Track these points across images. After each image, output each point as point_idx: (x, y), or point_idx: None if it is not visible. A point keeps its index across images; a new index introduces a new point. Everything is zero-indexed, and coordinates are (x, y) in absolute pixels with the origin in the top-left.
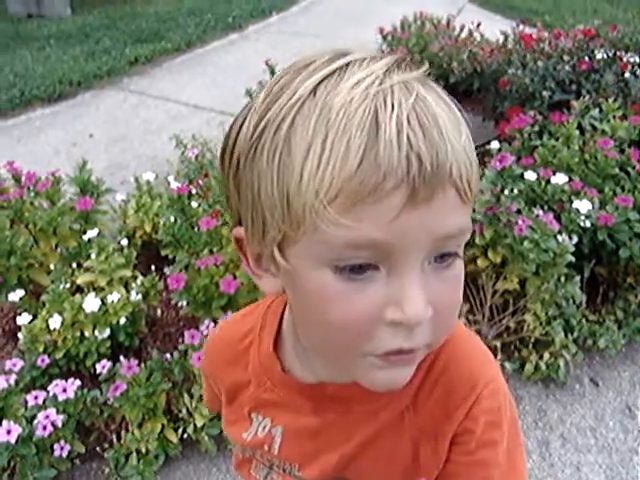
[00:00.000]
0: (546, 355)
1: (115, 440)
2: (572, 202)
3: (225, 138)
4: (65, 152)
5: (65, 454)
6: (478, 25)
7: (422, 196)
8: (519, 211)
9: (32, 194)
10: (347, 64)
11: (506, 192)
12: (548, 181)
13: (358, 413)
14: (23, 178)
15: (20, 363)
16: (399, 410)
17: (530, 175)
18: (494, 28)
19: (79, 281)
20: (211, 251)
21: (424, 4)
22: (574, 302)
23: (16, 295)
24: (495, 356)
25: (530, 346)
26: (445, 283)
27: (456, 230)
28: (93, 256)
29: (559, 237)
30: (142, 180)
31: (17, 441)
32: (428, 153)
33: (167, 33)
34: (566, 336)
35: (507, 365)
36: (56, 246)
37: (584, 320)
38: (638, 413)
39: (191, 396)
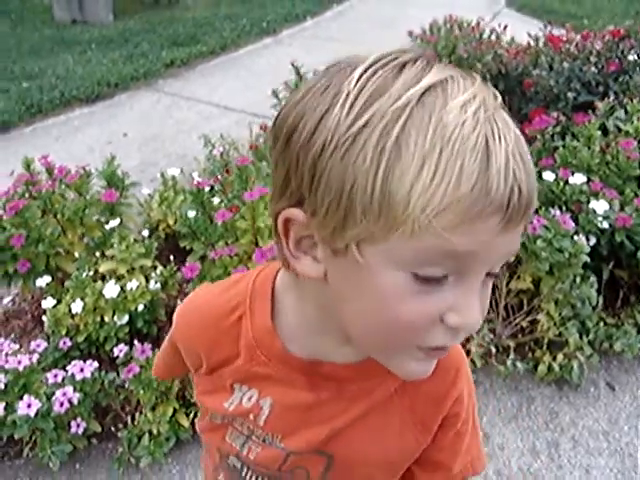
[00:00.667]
0: (560, 356)
1: (129, 421)
2: (590, 203)
3: (294, 117)
4: (99, 150)
5: (81, 431)
6: (505, 27)
7: (513, 223)
8: (536, 211)
9: (63, 186)
10: (446, 78)
11: None
12: (567, 182)
13: (351, 392)
14: (55, 172)
15: (44, 344)
16: (390, 391)
17: (548, 175)
18: (530, 32)
19: (101, 269)
20: (226, 243)
21: (459, 9)
22: (590, 304)
23: (43, 281)
24: (507, 356)
25: (544, 347)
26: (484, 294)
27: (515, 251)
28: (115, 245)
29: (575, 237)
30: (168, 175)
31: (37, 415)
32: (527, 187)
33: (203, 37)
34: (581, 338)
35: (519, 365)
36: (82, 236)
37: (601, 323)
38: None
39: None
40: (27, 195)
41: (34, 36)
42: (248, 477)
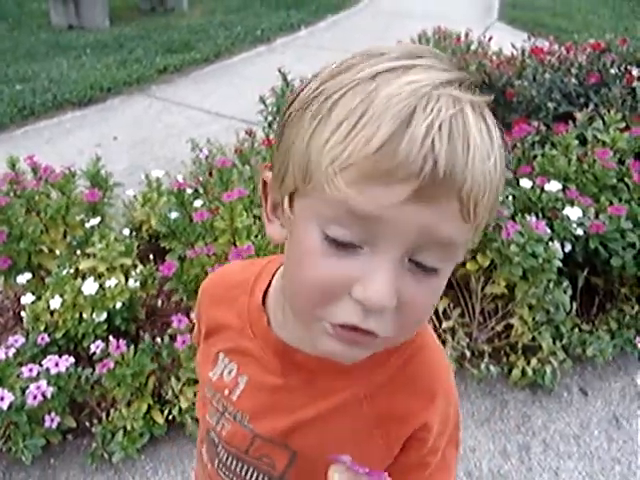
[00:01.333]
0: (533, 361)
1: (104, 417)
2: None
3: (289, 96)
4: (88, 153)
5: (55, 426)
6: (490, 39)
7: (425, 196)
8: (513, 217)
9: (48, 186)
10: (413, 65)
11: (500, 198)
12: (543, 189)
13: (319, 388)
14: (40, 171)
15: (22, 340)
16: (359, 396)
17: (525, 183)
18: (515, 44)
19: (81, 266)
20: (205, 243)
21: (452, 21)
22: (564, 309)
23: (24, 278)
24: (482, 359)
25: (519, 352)
26: (420, 286)
27: (446, 238)
28: (96, 243)
29: (550, 243)
30: (152, 177)
31: (10, 408)
32: (445, 160)
33: (197, 44)
34: (554, 343)
35: (493, 369)
36: (65, 234)
37: (576, 329)
38: (625, 423)
39: (178, 379)
40: (11, 194)
41: (30, 40)
42: (222, 455)
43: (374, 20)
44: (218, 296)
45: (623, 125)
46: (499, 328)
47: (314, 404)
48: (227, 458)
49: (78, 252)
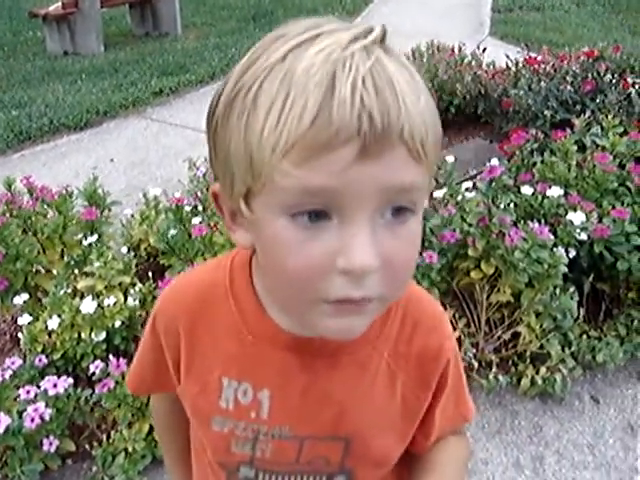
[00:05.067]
0: (542, 370)
1: (105, 440)
2: (567, 215)
3: (210, 103)
4: (85, 175)
5: (53, 449)
6: (484, 50)
7: (372, 151)
8: (515, 224)
9: (44, 206)
10: (318, 34)
11: (501, 205)
12: (544, 195)
13: (345, 364)
14: (37, 192)
15: (19, 362)
16: (383, 357)
17: (527, 190)
18: (509, 55)
19: (79, 286)
20: (204, 258)
21: (443, 37)
22: (571, 315)
23: (21, 299)
24: (490, 370)
25: (527, 360)
26: (399, 239)
27: (407, 184)
28: (94, 262)
29: (555, 249)
30: (150, 195)
31: (6, 432)
32: (379, 112)
33: (192, 66)
34: (563, 350)
35: (501, 379)
36: (62, 254)
37: (584, 336)
38: None
39: None
40: (8, 215)
41: (26, 67)
42: None
43: None
44: (194, 306)
45: (621, 130)
46: (506, 337)
47: (347, 384)
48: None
49: (76, 271)
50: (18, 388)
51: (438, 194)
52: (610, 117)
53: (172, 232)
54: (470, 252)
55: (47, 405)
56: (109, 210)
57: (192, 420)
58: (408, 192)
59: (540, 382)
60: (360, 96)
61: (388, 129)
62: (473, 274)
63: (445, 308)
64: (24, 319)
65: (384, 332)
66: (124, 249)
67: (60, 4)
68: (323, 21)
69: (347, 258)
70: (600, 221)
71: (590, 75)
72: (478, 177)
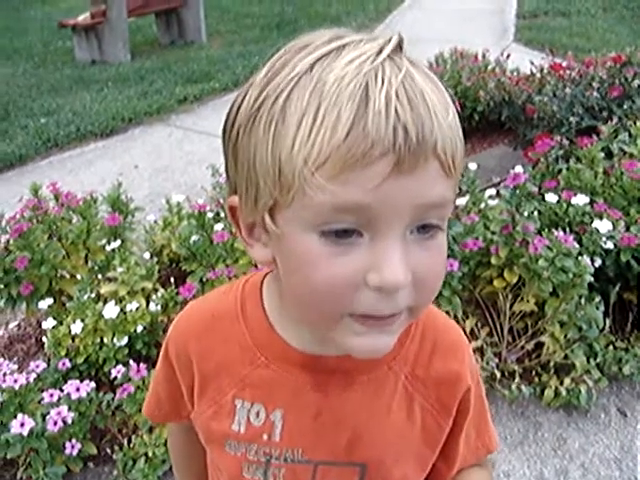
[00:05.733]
0: (567, 380)
1: (126, 444)
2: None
3: (227, 113)
4: (110, 181)
5: (75, 452)
6: (508, 56)
7: (407, 165)
8: (539, 232)
9: (70, 212)
10: (344, 45)
11: (525, 213)
12: (570, 203)
13: (360, 385)
14: (62, 197)
15: (43, 365)
16: (400, 379)
17: (551, 197)
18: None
19: (102, 291)
20: (226, 265)
21: (468, 44)
22: (597, 326)
23: (45, 303)
24: (513, 380)
25: (551, 371)
26: (427, 252)
27: (438, 199)
28: (116, 267)
29: (580, 258)
30: (173, 202)
31: (30, 435)
32: (414, 125)
33: (216, 74)
34: (588, 361)
35: (524, 389)
36: (86, 259)
37: (610, 346)
38: None
39: None
40: (35, 220)
41: (55, 76)
42: None
43: None
44: (206, 332)
45: None
46: (529, 347)
47: (362, 405)
48: None
49: (99, 276)
50: (42, 391)
51: (461, 202)
52: (638, 123)
53: (194, 238)
54: (493, 260)
55: (70, 409)
56: (132, 216)
57: (206, 446)
58: (439, 208)
59: (564, 393)
60: (395, 109)
61: (423, 143)
62: (496, 282)
63: (467, 317)
64: (48, 323)
65: (401, 353)
66: (147, 255)
67: (89, 14)
68: (343, 32)
69: (379, 274)
70: (627, 229)
71: (617, 81)
72: (502, 184)
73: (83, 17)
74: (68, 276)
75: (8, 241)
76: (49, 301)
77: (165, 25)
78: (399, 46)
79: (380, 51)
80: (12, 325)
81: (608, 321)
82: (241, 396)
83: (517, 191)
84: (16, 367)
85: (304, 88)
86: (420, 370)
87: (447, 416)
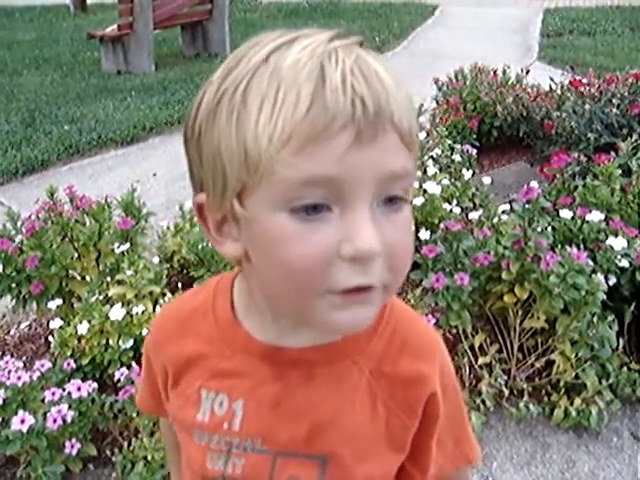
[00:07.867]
0: (577, 401)
1: (126, 447)
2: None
3: (188, 114)
4: (128, 188)
5: (75, 452)
6: (527, 72)
7: (367, 135)
8: (552, 248)
9: (84, 216)
10: (296, 37)
11: (538, 228)
12: (584, 220)
13: (321, 377)
14: (77, 201)
15: (48, 365)
16: (365, 375)
17: (566, 214)
18: (553, 78)
19: (110, 293)
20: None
21: (491, 61)
22: (610, 345)
23: (54, 303)
24: (522, 398)
25: (561, 391)
26: (395, 226)
27: (400, 170)
28: (125, 270)
29: (593, 276)
30: (186, 208)
31: (30, 432)
32: (370, 97)
33: None
34: (600, 382)
35: (533, 408)
36: (97, 262)
37: (625, 368)
38: None
39: None
40: (49, 222)
41: (81, 85)
42: None
43: (412, 62)
44: (177, 330)
45: None
46: (539, 365)
47: (323, 398)
48: None
49: (109, 279)
50: (43, 389)
51: (474, 215)
52: None
53: (203, 244)
54: (504, 275)
55: (70, 407)
56: (145, 221)
57: (178, 437)
58: (402, 178)
59: (574, 414)
60: (351, 84)
61: (380, 114)
62: (506, 298)
63: (477, 332)
64: (55, 323)
65: (368, 348)
66: (155, 259)
67: (116, 26)
68: (294, 30)
69: (353, 244)
70: None
71: (639, 98)
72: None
73: (110, 29)
74: (79, 277)
75: (22, 241)
76: (58, 301)
77: (190, 37)
78: (355, 40)
79: (331, 39)
80: (23, 325)
81: (622, 341)
82: (207, 386)
83: (530, 206)
84: (21, 365)
85: (262, 75)
86: (387, 367)
87: (413, 417)
